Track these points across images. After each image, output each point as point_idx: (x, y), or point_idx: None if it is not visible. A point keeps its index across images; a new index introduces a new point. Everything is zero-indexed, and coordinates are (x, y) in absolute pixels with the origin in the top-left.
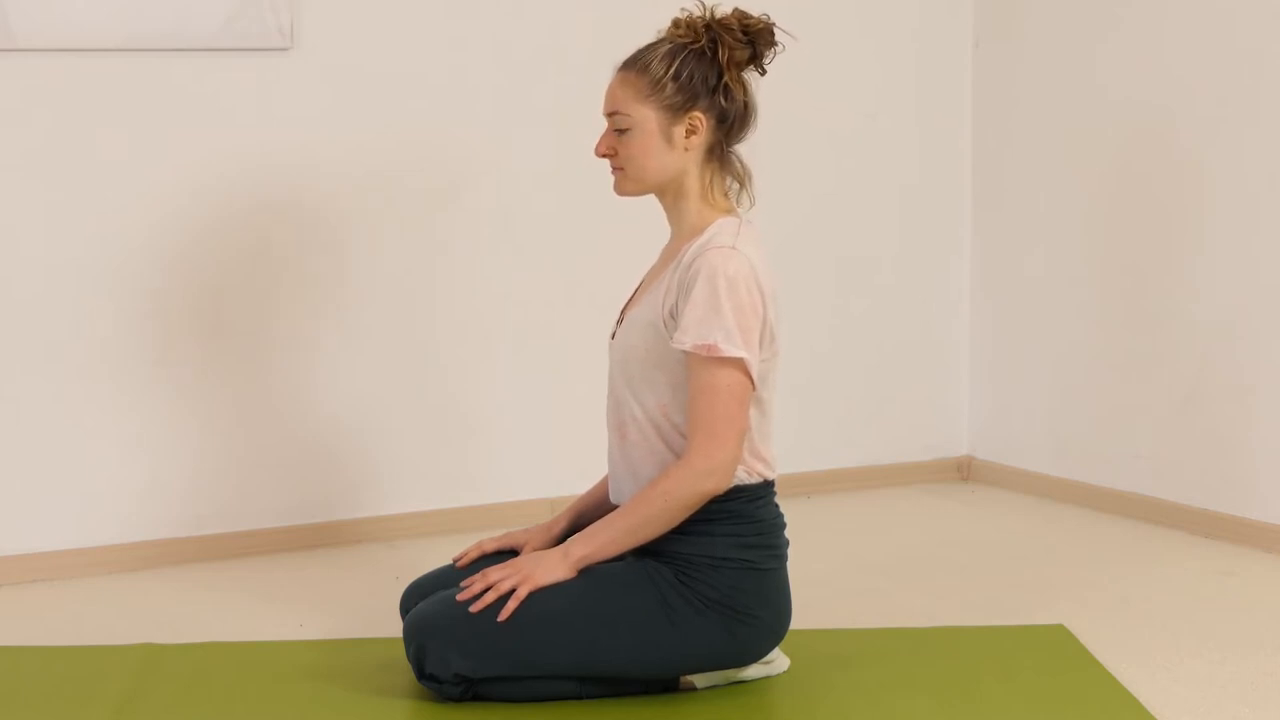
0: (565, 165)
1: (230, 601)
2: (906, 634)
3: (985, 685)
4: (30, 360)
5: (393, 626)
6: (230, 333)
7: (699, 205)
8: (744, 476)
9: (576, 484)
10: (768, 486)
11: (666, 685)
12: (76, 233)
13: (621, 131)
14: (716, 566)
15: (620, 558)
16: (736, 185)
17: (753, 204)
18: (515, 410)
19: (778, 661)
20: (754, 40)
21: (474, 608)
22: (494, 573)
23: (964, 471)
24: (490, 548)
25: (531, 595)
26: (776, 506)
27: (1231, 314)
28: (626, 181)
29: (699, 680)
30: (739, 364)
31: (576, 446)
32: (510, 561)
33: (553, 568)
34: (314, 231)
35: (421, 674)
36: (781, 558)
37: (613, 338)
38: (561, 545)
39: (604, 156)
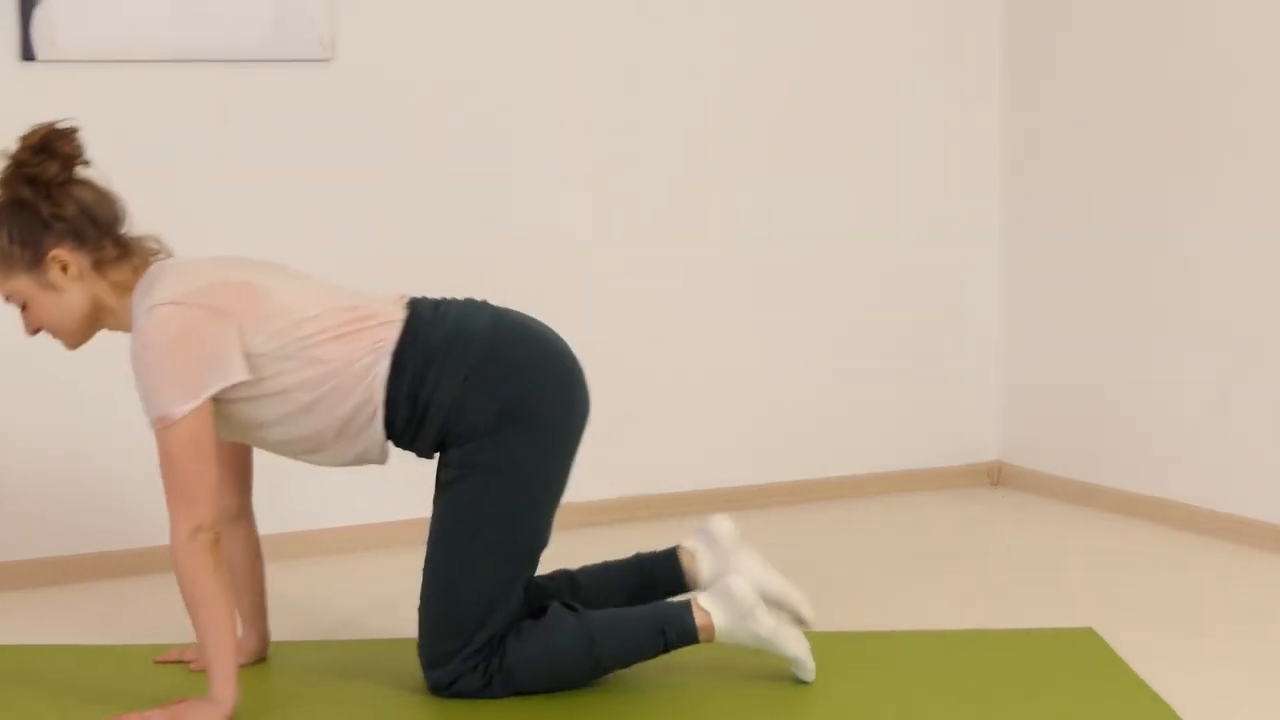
0: (598, 171)
1: None
2: (936, 636)
3: (1014, 687)
4: None
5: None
6: None
7: (122, 304)
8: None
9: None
10: (373, 344)
11: (686, 638)
12: None
13: (24, 309)
14: (454, 422)
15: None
16: (151, 249)
17: (169, 252)
18: None
19: (789, 635)
20: (49, 149)
21: None
22: (153, 714)
23: (994, 477)
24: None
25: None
26: (404, 332)
27: (1265, 319)
28: (67, 340)
29: (720, 627)
30: (189, 416)
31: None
32: (170, 705)
33: (205, 711)
34: (353, 234)
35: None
36: (447, 364)
37: None
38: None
39: (35, 334)
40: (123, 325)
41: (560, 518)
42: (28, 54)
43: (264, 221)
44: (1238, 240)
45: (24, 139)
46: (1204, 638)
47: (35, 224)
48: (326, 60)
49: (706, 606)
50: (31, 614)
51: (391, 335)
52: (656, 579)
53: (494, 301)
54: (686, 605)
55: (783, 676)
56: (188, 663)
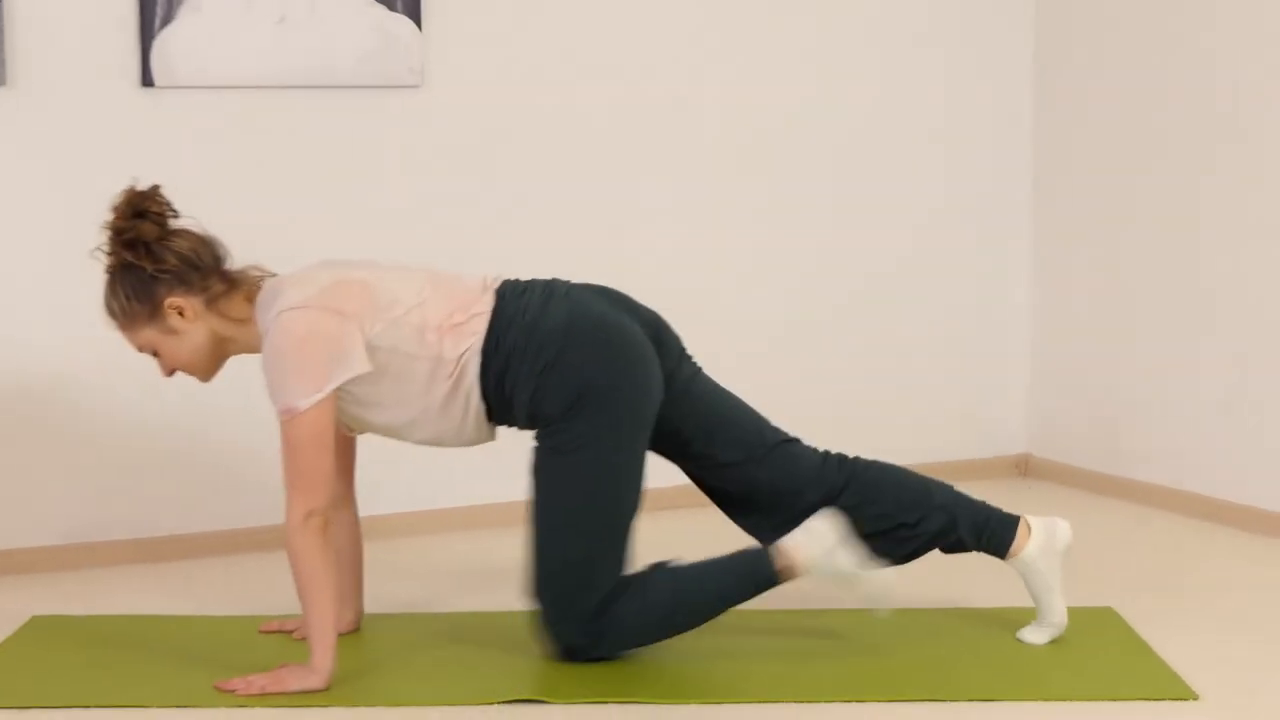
0: (680, 201)
1: None
2: (966, 613)
3: (1039, 659)
4: None
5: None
6: None
7: (246, 332)
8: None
9: None
10: (471, 333)
11: (775, 576)
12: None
13: (157, 355)
14: (535, 410)
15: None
16: (255, 276)
17: (271, 273)
18: None
19: (869, 571)
20: (139, 212)
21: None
22: (257, 677)
23: (1022, 469)
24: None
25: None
26: (497, 321)
27: (1276, 320)
28: (198, 375)
29: (806, 561)
30: (313, 408)
31: None
32: (273, 670)
33: (304, 677)
34: (440, 252)
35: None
36: (534, 342)
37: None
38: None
39: (171, 375)
40: (248, 348)
41: None
42: (147, 81)
43: (358, 237)
44: (1255, 243)
45: (115, 208)
46: (1217, 617)
47: (145, 280)
48: (416, 86)
49: (791, 544)
50: (154, 586)
51: (481, 329)
52: None
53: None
54: (773, 546)
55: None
56: (289, 632)
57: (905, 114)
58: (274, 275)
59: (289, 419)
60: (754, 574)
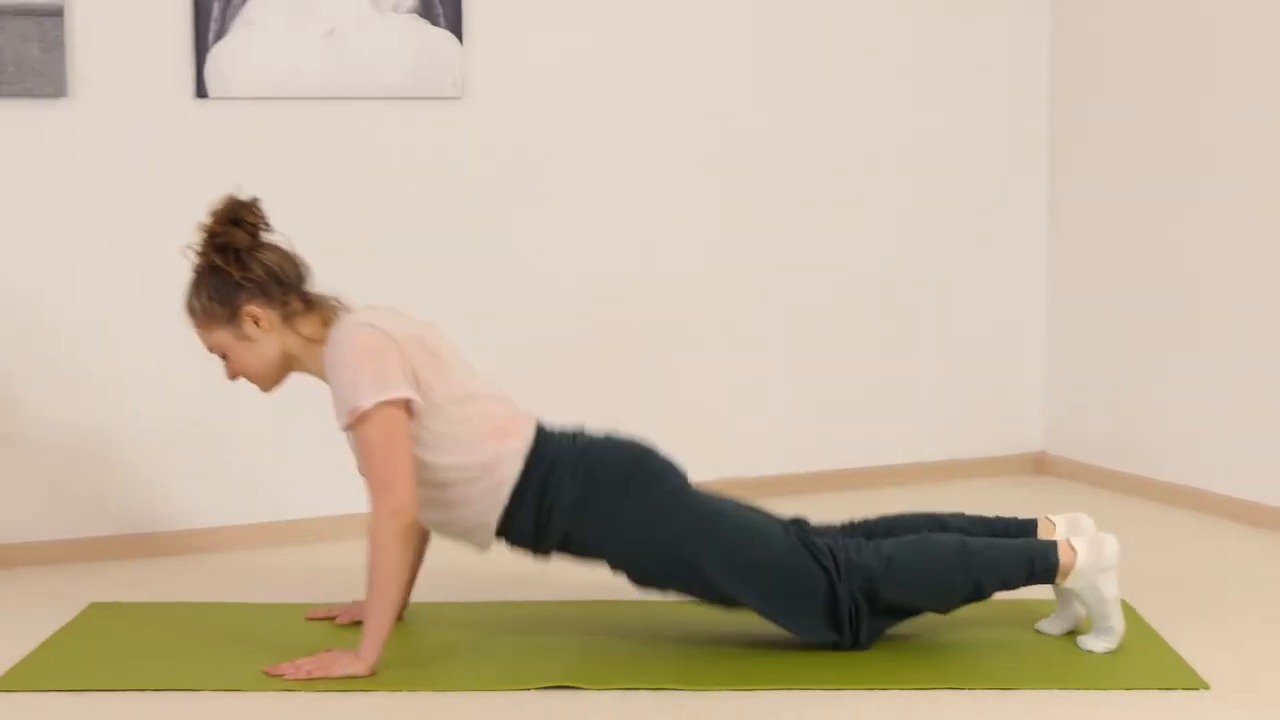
0: (714, 207)
1: None
2: (984, 603)
3: (1057, 648)
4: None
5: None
6: None
7: (314, 354)
8: (508, 462)
9: None
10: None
11: (1049, 571)
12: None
13: (225, 358)
14: (580, 515)
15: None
16: (333, 304)
17: (349, 308)
18: None
19: (1119, 609)
20: (235, 220)
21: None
22: (304, 662)
23: (1039, 466)
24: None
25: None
26: (542, 449)
27: None
28: (260, 384)
29: (1080, 567)
30: (378, 410)
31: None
32: (319, 655)
33: (349, 663)
34: (479, 259)
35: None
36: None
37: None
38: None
39: (234, 379)
40: (314, 369)
41: None
42: (201, 92)
43: (402, 243)
44: (1270, 243)
45: (214, 212)
46: (1228, 611)
47: (229, 285)
48: (458, 98)
49: (1076, 546)
50: (207, 575)
51: (529, 436)
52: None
53: (619, 321)
54: (1053, 542)
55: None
56: (334, 618)
57: (921, 117)
58: (351, 309)
59: (355, 419)
60: (1041, 557)
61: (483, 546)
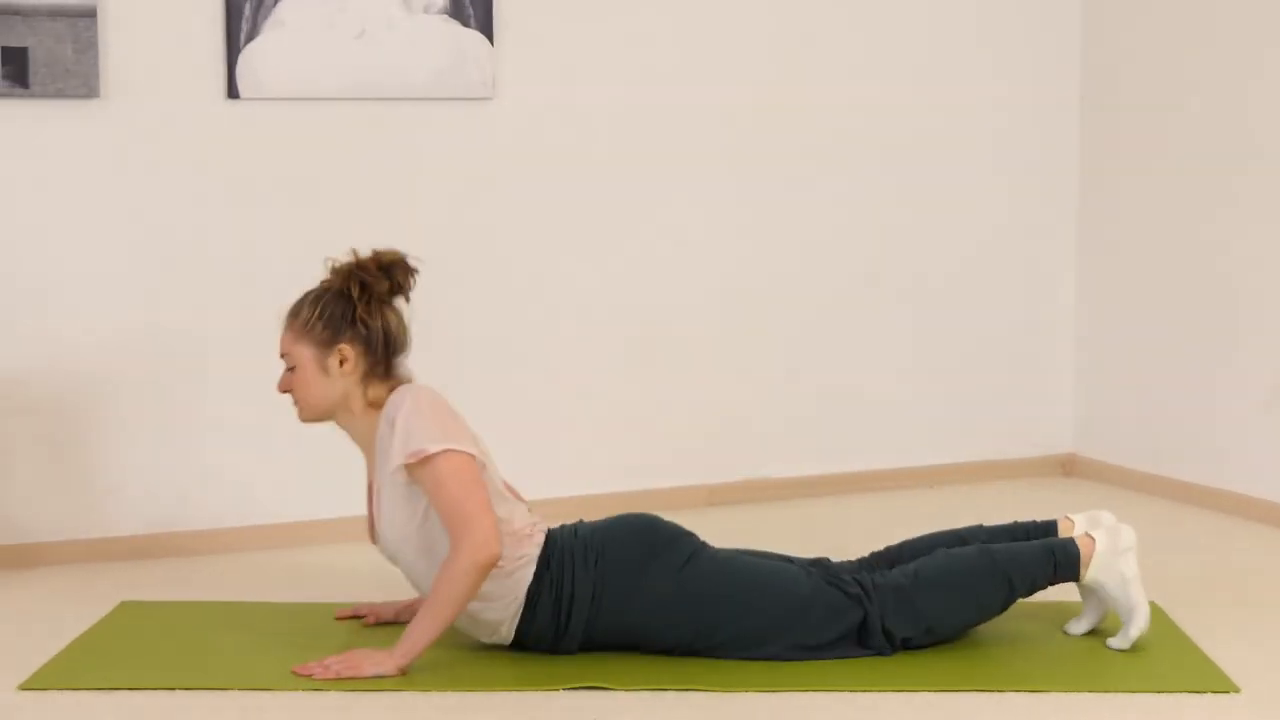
0: (747, 203)
1: None
2: (1014, 608)
3: (1086, 649)
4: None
5: None
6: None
7: (366, 417)
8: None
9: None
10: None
11: (1070, 562)
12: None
13: (291, 370)
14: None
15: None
16: (406, 377)
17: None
18: None
19: (1142, 592)
20: (389, 271)
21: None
22: (332, 661)
23: (1068, 468)
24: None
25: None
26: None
27: None
28: (303, 412)
29: (1098, 553)
30: (447, 455)
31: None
32: (347, 653)
33: (380, 662)
34: (509, 258)
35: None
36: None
37: (376, 540)
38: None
39: (283, 393)
40: (353, 429)
41: (685, 498)
42: (233, 93)
43: (432, 241)
44: None
45: (376, 253)
46: (1257, 612)
47: (345, 318)
48: (489, 99)
49: (1094, 535)
50: (237, 575)
51: (540, 540)
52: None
53: (650, 319)
54: (1071, 538)
55: None
56: (362, 618)
57: (950, 119)
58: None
59: (418, 462)
60: (1061, 550)
61: (502, 640)
